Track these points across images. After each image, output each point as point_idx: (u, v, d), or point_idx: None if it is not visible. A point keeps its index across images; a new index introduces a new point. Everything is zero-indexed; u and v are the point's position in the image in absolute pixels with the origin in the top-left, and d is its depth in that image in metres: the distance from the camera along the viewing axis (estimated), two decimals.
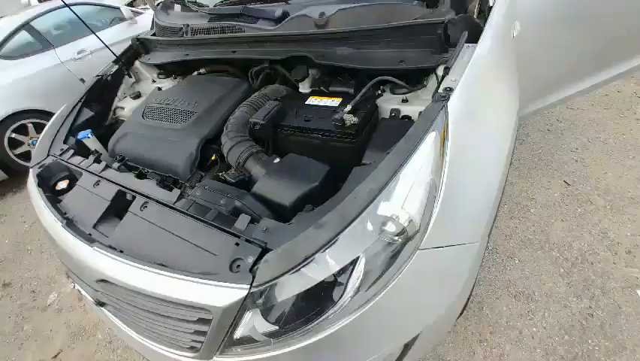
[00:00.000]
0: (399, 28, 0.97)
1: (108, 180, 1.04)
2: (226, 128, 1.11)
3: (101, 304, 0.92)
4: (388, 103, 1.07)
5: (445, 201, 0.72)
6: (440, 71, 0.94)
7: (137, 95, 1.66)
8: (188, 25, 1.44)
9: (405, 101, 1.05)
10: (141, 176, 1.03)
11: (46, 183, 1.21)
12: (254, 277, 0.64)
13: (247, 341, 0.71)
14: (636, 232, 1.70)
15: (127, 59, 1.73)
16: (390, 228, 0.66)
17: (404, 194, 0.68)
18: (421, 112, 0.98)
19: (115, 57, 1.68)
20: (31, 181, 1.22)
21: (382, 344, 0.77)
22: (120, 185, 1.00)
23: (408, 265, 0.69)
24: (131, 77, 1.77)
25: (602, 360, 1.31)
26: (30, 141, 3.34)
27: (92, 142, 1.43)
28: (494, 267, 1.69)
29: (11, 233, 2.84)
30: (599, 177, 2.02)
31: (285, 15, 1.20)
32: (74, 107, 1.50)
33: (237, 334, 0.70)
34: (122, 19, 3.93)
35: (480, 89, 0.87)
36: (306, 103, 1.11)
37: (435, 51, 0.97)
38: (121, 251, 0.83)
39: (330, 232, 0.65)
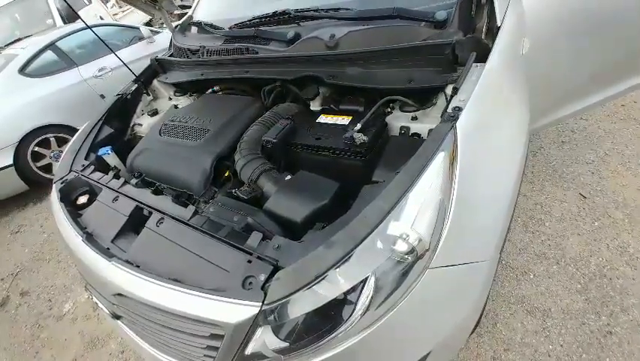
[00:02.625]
0: (407, 49, 1.00)
1: (126, 195, 1.08)
2: (239, 146, 1.15)
3: (117, 317, 0.95)
4: (398, 120, 1.09)
5: (455, 220, 0.72)
6: (449, 90, 0.96)
7: (155, 113, 1.74)
8: (204, 47, 1.51)
9: (414, 118, 1.07)
10: (157, 192, 1.07)
11: (67, 198, 1.27)
12: (266, 295, 0.66)
13: (258, 358, 0.72)
14: None
15: (146, 78, 1.82)
16: (400, 247, 0.67)
17: (414, 213, 0.69)
18: (430, 130, 1.00)
19: (135, 77, 1.77)
20: (54, 196, 1.28)
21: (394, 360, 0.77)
22: (137, 201, 1.04)
23: (417, 283, 0.70)
24: (149, 95, 1.85)
25: None
26: (51, 154, 3.49)
27: (111, 158, 1.49)
28: (508, 282, 1.65)
29: (30, 242, 2.95)
30: (617, 190, 1.97)
31: (296, 37, 1.25)
32: (96, 124, 1.58)
33: (248, 350, 0.71)
34: (141, 38, 4.12)
35: (489, 106, 0.88)
36: (317, 121, 1.14)
37: (443, 70, 0.99)
38: (137, 266, 0.86)
39: (341, 250, 0.66)
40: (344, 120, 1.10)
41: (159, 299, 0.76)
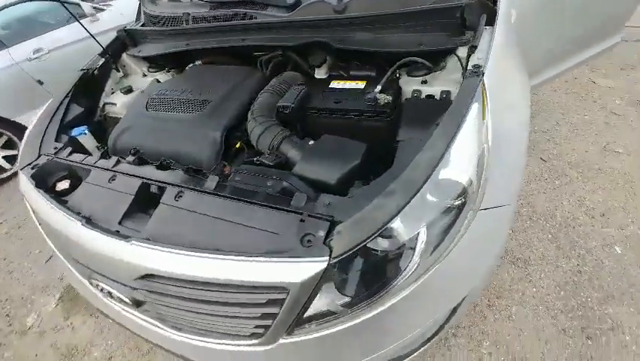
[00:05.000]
0: (418, 12, 1.02)
1: (127, 174, 0.97)
2: (252, 113, 1.08)
3: (138, 304, 0.86)
4: (408, 85, 1.12)
5: (490, 165, 0.77)
6: (461, 52, 1.00)
7: (129, 90, 1.56)
8: (189, 14, 1.38)
9: (424, 82, 1.10)
10: (164, 167, 0.97)
11: (42, 185, 1.10)
12: (331, 249, 0.65)
13: (320, 316, 0.71)
14: (607, 197, 1.92)
15: (113, 52, 1.61)
16: (454, 192, 0.70)
17: (460, 159, 0.72)
18: (443, 91, 1.04)
19: (102, 49, 1.56)
20: (26, 183, 1.09)
21: (439, 308, 0.81)
22: (143, 178, 0.94)
23: (465, 228, 0.74)
24: (118, 70, 1.65)
25: (595, 309, 1.47)
26: None
27: (87, 139, 1.32)
28: None
29: None
30: (569, 153, 2.25)
31: (297, 2, 1.20)
32: (61, 102, 1.37)
33: (311, 310, 0.69)
34: (82, 16, 3.61)
35: (503, 64, 0.94)
36: (329, 87, 1.12)
37: (452, 34, 1.03)
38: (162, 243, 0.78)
39: (401, 199, 0.67)
40: (358, 85, 1.09)
41: (204, 272, 0.70)
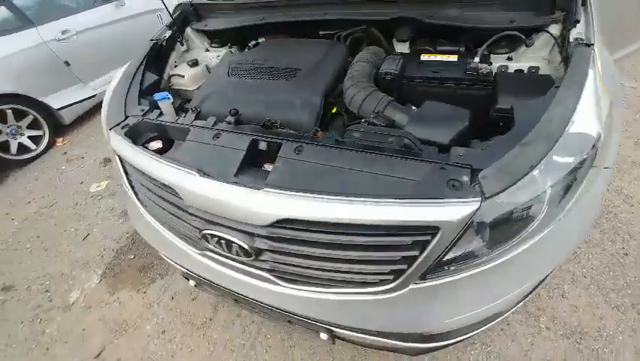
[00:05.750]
0: None
1: (234, 131, 0.99)
2: (352, 80, 1.11)
3: (258, 253, 0.87)
4: (494, 61, 1.16)
5: (606, 125, 0.82)
6: (553, 29, 1.05)
7: (195, 63, 1.56)
8: None
9: (510, 59, 1.15)
10: (269, 126, 0.99)
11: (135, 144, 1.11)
12: (482, 191, 0.68)
13: (460, 259, 0.74)
14: None
15: (178, 26, 1.62)
16: (585, 145, 0.74)
17: (588, 115, 0.76)
18: (531, 67, 1.09)
19: (171, 19, 1.57)
20: (120, 142, 1.10)
21: (556, 258, 0.85)
22: (253, 134, 0.96)
23: (589, 183, 0.78)
24: (182, 44, 1.66)
25: None
26: (8, 130, 2.91)
27: (167, 104, 1.33)
28: None
29: None
30: None
31: None
32: (137, 69, 1.38)
33: (453, 252, 0.73)
34: (108, 1, 3.60)
35: (599, 38, 0.99)
36: (421, 59, 1.16)
37: (542, 13, 1.08)
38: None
39: (542, 147, 0.71)
40: (449, 58, 1.14)
41: (351, 215, 0.72)
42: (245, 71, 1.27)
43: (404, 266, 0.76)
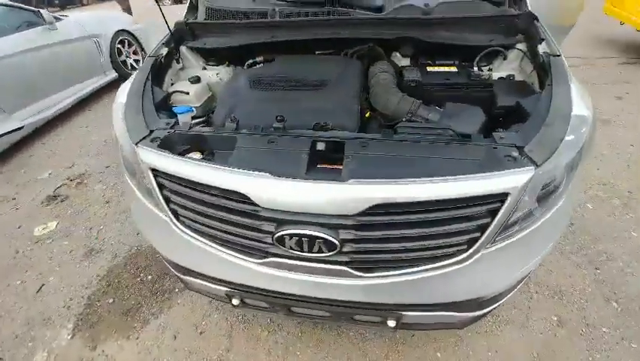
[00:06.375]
0: (490, 17, 1.38)
1: (290, 135, 1.03)
2: (383, 86, 1.24)
3: (343, 243, 0.88)
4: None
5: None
6: (521, 46, 1.38)
7: (197, 80, 1.54)
8: (274, 10, 1.50)
9: (490, 70, 1.45)
10: (322, 128, 1.06)
11: None
12: (533, 161, 0.85)
13: (522, 219, 0.90)
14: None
15: (175, 43, 1.59)
16: (585, 123, 1.00)
17: (580, 103, 1.03)
18: (508, 75, 1.39)
19: (170, 34, 1.53)
20: (159, 155, 1.01)
21: (567, 218, 1.08)
22: (313, 136, 1.01)
23: (587, 148, 1.04)
24: (178, 62, 1.62)
25: (591, 247, 1.94)
26: None
27: (187, 118, 1.28)
28: None
29: None
30: None
31: (382, 6, 1.45)
32: (145, 84, 1.31)
33: (516, 215, 0.88)
34: (33, 24, 3.19)
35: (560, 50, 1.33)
36: (428, 70, 1.37)
37: (508, 35, 1.40)
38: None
39: (563, 125, 0.93)
40: (451, 69, 1.37)
41: (437, 193, 0.81)
42: (268, 84, 1.31)
43: (478, 234, 0.89)
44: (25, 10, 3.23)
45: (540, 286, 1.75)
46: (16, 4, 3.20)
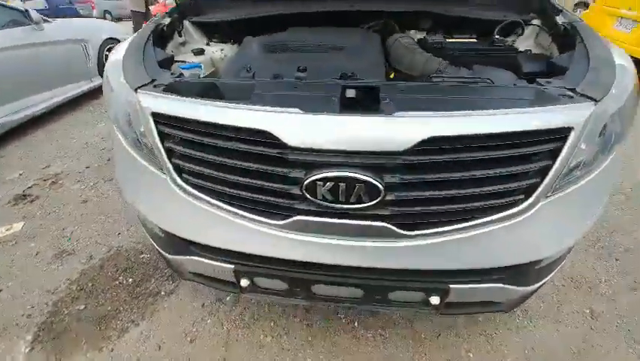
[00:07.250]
0: None
1: (314, 82, 0.92)
2: (408, 49, 1.19)
3: (387, 190, 0.75)
4: None
5: None
6: (536, 21, 1.37)
7: (201, 52, 1.44)
8: None
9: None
10: (346, 77, 0.96)
11: None
12: (588, 97, 0.77)
13: (584, 163, 0.80)
14: None
15: (179, 16, 1.50)
16: (627, 74, 0.94)
17: (619, 55, 0.99)
18: (526, 49, 1.37)
19: (175, 4, 1.44)
20: (166, 98, 0.86)
21: (616, 175, 1.00)
22: (344, 82, 0.90)
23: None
24: (181, 35, 1.52)
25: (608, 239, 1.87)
26: None
27: (191, 76, 1.16)
28: None
29: None
30: None
31: None
32: (145, 43, 1.18)
33: (577, 158, 0.78)
34: (19, 24, 3.05)
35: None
36: (447, 40, 1.33)
37: (522, 12, 1.41)
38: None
39: (610, 70, 0.87)
40: (471, 39, 1.35)
41: (496, 126, 0.71)
42: (283, 49, 1.22)
43: (538, 179, 0.78)
44: (13, 9, 3.11)
45: (565, 278, 1.64)
46: (3, 2, 3.07)
